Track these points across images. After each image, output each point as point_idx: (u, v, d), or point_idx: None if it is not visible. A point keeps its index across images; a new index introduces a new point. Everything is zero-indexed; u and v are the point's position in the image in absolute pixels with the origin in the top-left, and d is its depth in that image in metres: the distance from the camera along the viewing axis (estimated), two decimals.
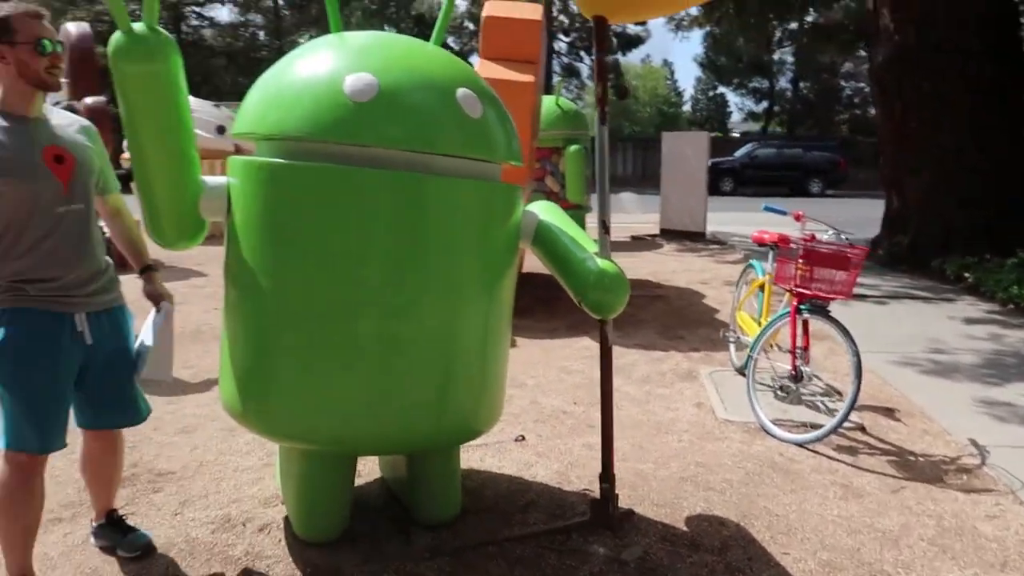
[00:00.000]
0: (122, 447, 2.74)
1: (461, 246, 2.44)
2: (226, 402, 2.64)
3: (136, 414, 2.62)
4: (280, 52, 35.75)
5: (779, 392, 4.08)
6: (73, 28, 8.19)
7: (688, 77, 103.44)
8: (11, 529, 2.35)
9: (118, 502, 2.87)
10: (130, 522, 2.81)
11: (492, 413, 2.77)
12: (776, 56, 41.09)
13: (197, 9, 36.41)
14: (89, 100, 4.94)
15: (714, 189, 23.38)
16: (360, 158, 2.31)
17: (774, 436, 3.83)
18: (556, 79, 31.66)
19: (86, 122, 2.53)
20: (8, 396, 2.29)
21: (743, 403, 4.19)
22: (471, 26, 33.58)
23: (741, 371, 4.72)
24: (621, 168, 32.05)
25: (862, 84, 37.38)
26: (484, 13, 5.95)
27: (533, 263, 7.08)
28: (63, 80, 2.60)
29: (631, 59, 49.46)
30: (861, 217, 12.62)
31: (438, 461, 2.86)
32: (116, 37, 2.18)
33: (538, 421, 4.08)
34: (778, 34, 34.57)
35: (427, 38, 2.75)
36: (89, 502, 2.93)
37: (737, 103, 54.65)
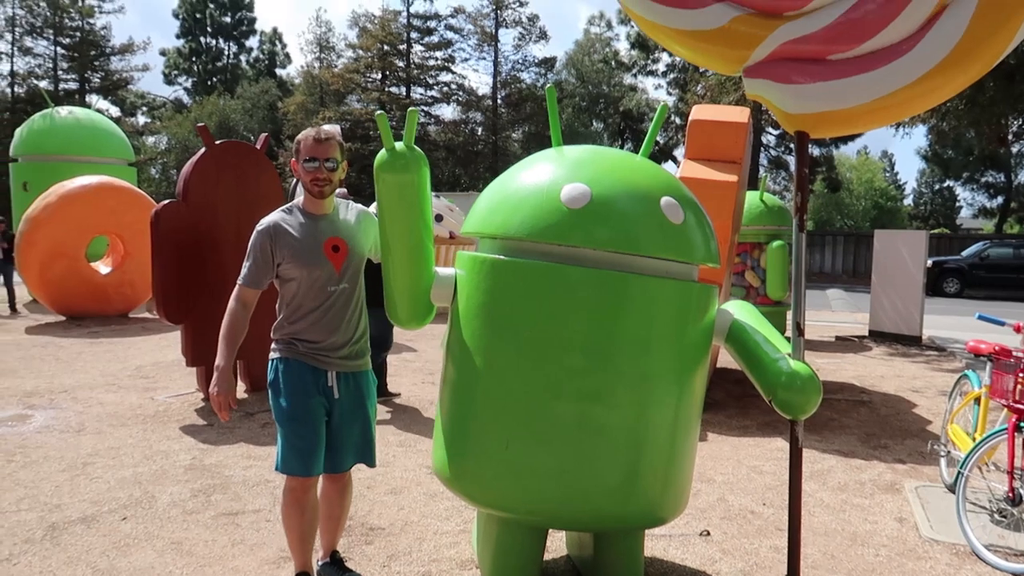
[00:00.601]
0: (351, 491, 3.18)
1: (656, 340, 2.64)
2: (437, 467, 2.96)
3: (369, 459, 3.09)
4: (495, 146, 38.44)
5: (996, 515, 3.79)
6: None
7: (910, 169, 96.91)
8: (290, 536, 2.97)
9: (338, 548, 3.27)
10: (347, 566, 3.21)
11: (678, 502, 2.87)
12: (1015, 148, 37.70)
13: (425, 108, 40.12)
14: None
15: (936, 290, 21.68)
16: (570, 257, 2.60)
17: (987, 562, 3.55)
18: (762, 172, 31.19)
19: (366, 210, 3.11)
20: (280, 427, 2.87)
21: (952, 522, 3.92)
22: (677, 120, 34.11)
23: (952, 488, 4.42)
24: (830, 264, 30.58)
25: None
26: (691, 117, 6.21)
27: (728, 358, 7.03)
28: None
29: (846, 151, 47.58)
30: None
31: (623, 544, 2.98)
32: (381, 153, 2.69)
33: (725, 518, 4.07)
34: (1015, 126, 31.78)
35: (633, 131, 3.06)
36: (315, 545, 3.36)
37: (967, 198, 50.48)
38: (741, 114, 6.28)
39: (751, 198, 9.45)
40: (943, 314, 15.24)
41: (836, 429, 6.05)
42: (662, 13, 2.75)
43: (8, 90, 37.58)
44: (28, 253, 11.53)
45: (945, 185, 50.81)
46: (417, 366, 8.52)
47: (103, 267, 12.72)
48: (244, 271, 2.87)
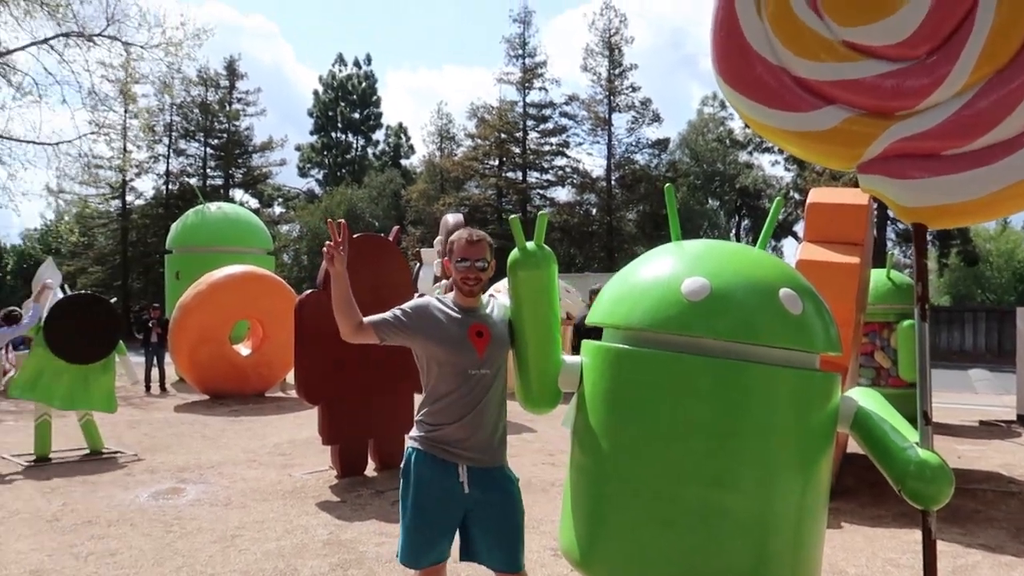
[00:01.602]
0: None
1: (778, 428, 2.69)
2: (565, 549, 3.06)
3: (513, 563, 3.08)
4: (610, 227, 38.74)
5: None
6: (451, 218, 10.08)
7: None
8: None
9: None
10: None
11: None
12: None
13: (541, 191, 41.27)
14: None
15: None
16: (691, 346, 2.72)
17: None
18: (889, 246, 29.94)
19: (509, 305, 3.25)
20: (401, 517, 3.02)
21: None
22: (796, 196, 33.51)
23: None
24: (971, 342, 28.70)
25: None
26: (809, 200, 6.24)
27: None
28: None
29: (983, 223, 44.99)
30: None
31: None
32: (515, 252, 2.95)
33: None
34: None
35: (751, 208, 3.17)
36: None
37: None
38: (860, 195, 6.23)
39: (878, 276, 9.16)
40: None
41: (981, 522, 5.69)
42: (773, 116, 2.91)
43: (163, 188, 41.60)
44: (180, 337, 12.59)
45: None
46: (537, 447, 8.65)
47: (243, 349, 13.69)
48: (381, 314, 3.11)
